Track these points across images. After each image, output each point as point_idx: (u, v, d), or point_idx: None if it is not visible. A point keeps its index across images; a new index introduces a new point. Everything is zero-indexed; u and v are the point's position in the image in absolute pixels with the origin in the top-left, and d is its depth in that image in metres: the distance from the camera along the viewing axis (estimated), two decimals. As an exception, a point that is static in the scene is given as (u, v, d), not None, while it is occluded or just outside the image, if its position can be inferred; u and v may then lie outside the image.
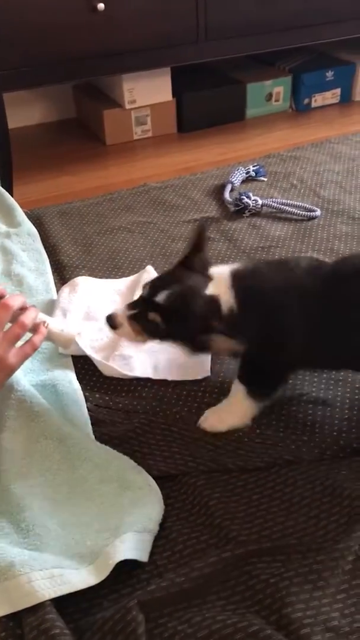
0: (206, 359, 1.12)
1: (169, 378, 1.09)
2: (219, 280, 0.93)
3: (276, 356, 0.95)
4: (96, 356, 1.11)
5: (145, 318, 0.93)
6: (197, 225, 0.97)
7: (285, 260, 1.07)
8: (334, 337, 0.92)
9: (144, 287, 0.96)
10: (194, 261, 0.94)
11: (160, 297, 0.91)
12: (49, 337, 1.05)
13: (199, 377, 1.09)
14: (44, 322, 0.99)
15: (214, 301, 0.91)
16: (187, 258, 0.95)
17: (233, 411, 1.00)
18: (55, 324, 1.05)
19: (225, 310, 0.91)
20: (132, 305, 0.96)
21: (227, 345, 0.94)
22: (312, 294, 0.92)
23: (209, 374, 1.10)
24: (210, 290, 0.91)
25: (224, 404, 1.01)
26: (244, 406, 0.99)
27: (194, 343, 0.94)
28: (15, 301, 0.93)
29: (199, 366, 1.11)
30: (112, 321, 0.96)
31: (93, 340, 1.16)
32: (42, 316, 1.02)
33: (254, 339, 0.93)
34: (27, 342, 0.94)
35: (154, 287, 0.94)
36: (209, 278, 0.93)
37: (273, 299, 0.92)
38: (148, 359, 1.13)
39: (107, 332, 1.17)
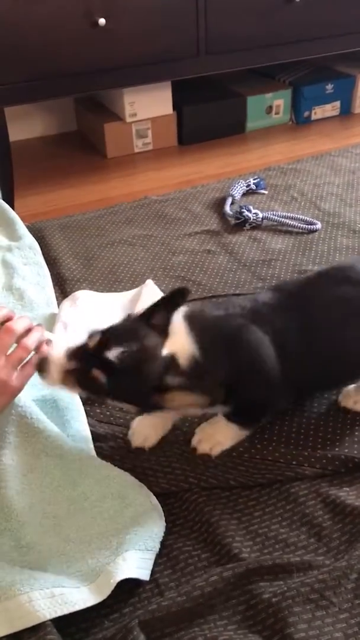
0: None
1: None
2: (176, 330, 0.85)
3: (258, 384, 0.91)
4: None
5: (86, 374, 0.83)
6: (179, 288, 0.85)
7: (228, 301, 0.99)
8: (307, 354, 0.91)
9: (91, 336, 0.85)
10: (155, 316, 0.85)
11: (112, 354, 0.80)
12: None
13: None
14: (47, 341, 0.97)
15: (171, 359, 0.82)
16: (151, 311, 0.86)
17: (223, 434, 0.97)
18: (60, 341, 1.05)
19: (186, 362, 0.83)
20: (72, 354, 0.85)
21: (189, 400, 0.86)
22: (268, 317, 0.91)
23: None
24: (168, 345, 0.83)
25: (213, 428, 0.97)
26: (232, 430, 0.97)
27: (147, 403, 0.87)
28: (19, 325, 0.92)
29: None
30: (41, 365, 0.86)
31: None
32: (48, 335, 1.02)
33: (230, 377, 0.87)
34: (27, 362, 0.93)
35: (104, 340, 0.82)
36: (166, 334, 0.84)
37: (235, 330, 0.89)
38: None
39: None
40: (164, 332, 0.84)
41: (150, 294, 1.28)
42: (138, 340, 0.82)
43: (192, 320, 0.86)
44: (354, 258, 1.18)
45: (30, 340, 0.93)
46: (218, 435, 0.97)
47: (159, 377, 0.82)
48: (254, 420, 0.98)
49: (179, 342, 0.84)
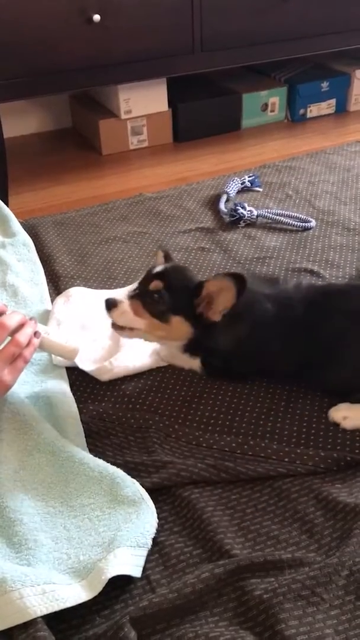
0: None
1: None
2: None
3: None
4: (89, 367, 1.12)
5: (147, 292, 1.01)
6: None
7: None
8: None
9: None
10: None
11: (160, 268, 1.02)
12: (51, 349, 1.05)
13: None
14: (36, 333, 0.98)
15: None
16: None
17: None
18: (57, 335, 1.05)
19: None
20: (132, 290, 1.03)
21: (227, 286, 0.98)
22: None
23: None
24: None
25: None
26: None
27: (191, 314, 1.01)
28: (12, 320, 0.93)
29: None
30: (111, 302, 1.01)
31: (88, 351, 1.16)
32: (42, 327, 1.02)
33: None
34: (18, 356, 0.94)
35: (150, 271, 1.03)
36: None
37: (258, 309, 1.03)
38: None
39: (102, 343, 1.17)
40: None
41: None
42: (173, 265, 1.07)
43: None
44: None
45: (23, 336, 0.94)
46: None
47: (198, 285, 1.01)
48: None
49: None
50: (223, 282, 0.97)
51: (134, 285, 1.05)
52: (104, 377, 1.11)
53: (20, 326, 0.95)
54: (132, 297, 1.02)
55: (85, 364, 1.12)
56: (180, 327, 1.04)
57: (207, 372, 1.11)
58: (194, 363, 1.11)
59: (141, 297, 1.02)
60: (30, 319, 0.99)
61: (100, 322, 1.16)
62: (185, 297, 1.02)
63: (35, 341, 0.97)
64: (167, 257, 1.11)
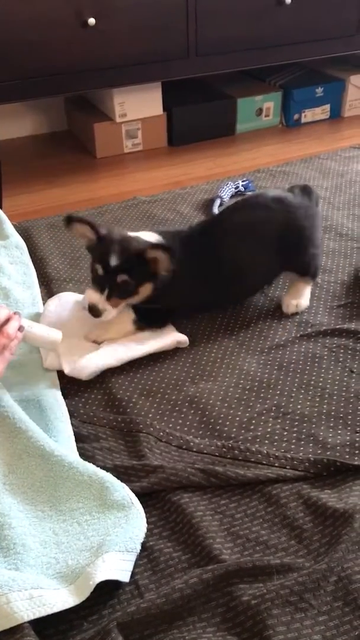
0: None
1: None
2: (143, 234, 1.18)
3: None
4: (67, 369, 1.12)
5: (118, 286, 1.13)
6: (66, 219, 1.17)
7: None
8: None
9: (94, 272, 1.15)
10: (98, 231, 1.16)
11: (114, 261, 1.12)
12: (35, 341, 1.08)
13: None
14: (20, 327, 1.02)
15: (143, 239, 1.15)
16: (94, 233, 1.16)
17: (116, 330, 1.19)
18: (39, 328, 1.08)
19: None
20: (100, 289, 1.14)
21: (162, 258, 1.13)
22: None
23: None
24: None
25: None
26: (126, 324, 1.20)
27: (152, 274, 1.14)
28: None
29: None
30: (97, 311, 1.14)
31: (75, 354, 1.15)
32: (25, 322, 1.05)
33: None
34: (5, 348, 0.98)
35: (103, 263, 1.13)
36: (121, 232, 1.17)
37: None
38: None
39: (88, 345, 1.17)
40: (119, 232, 1.18)
41: None
42: (114, 243, 1.14)
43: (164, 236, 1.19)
44: (263, 191, 1.37)
45: (11, 328, 0.99)
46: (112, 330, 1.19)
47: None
48: (148, 323, 1.21)
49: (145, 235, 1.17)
50: (158, 254, 1.12)
51: (97, 281, 1.15)
52: (84, 374, 1.11)
53: (7, 320, 1.00)
54: (108, 295, 1.14)
55: (66, 367, 1.12)
56: (147, 289, 1.17)
57: (143, 320, 1.21)
58: (128, 317, 1.20)
59: (113, 292, 1.14)
60: (15, 313, 1.03)
61: (87, 326, 1.21)
62: (141, 268, 1.14)
63: (19, 335, 1.02)
64: (86, 222, 1.17)
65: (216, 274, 1.21)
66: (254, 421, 1.04)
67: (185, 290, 1.21)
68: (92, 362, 1.13)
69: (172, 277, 1.14)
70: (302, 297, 1.30)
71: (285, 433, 1.01)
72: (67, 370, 1.12)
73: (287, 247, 1.23)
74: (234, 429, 1.02)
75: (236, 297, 1.31)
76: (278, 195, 1.25)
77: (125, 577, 0.79)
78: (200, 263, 1.21)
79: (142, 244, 1.15)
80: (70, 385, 1.12)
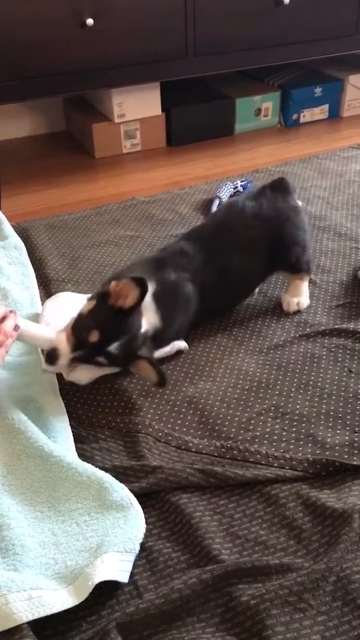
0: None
1: None
2: (148, 309, 1.09)
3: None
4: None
5: (91, 359, 1.05)
6: (139, 281, 1.02)
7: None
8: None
9: (87, 330, 1.03)
10: (134, 310, 1.04)
11: (113, 348, 1.03)
12: (30, 340, 1.08)
13: None
14: (16, 326, 1.02)
15: (146, 337, 1.08)
16: (130, 308, 1.03)
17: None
18: (34, 327, 1.08)
19: (152, 331, 1.09)
20: (75, 344, 1.03)
21: (151, 376, 1.06)
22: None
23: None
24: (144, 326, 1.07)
25: None
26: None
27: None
28: None
29: None
30: (53, 360, 1.03)
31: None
32: (21, 321, 1.05)
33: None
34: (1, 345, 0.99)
35: (102, 336, 1.02)
36: (140, 313, 1.07)
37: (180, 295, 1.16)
38: None
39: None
40: (139, 318, 1.07)
41: None
42: (129, 332, 1.04)
43: (156, 297, 1.10)
44: (239, 201, 1.30)
45: (8, 326, 1.00)
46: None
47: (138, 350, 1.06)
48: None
49: (149, 319, 1.09)
50: (150, 373, 1.05)
51: (80, 335, 1.04)
52: (83, 381, 1.11)
53: (3, 318, 1.01)
54: (75, 358, 1.04)
55: (65, 372, 1.12)
56: (143, 366, 1.08)
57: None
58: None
59: (84, 359, 1.05)
60: (11, 311, 1.03)
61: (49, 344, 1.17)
62: (123, 363, 1.09)
63: (14, 333, 1.02)
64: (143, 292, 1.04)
65: (217, 292, 1.21)
66: (252, 421, 1.04)
67: (188, 316, 1.18)
68: (87, 375, 1.12)
69: (175, 315, 1.14)
70: (302, 295, 1.30)
71: (284, 433, 1.01)
72: (66, 376, 1.11)
73: (272, 253, 1.25)
74: (233, 429, 1.02)
75: (230, 306, 1.31)
76: (253, 211, 1.25)
77: (124, 577, 0.79)
78: (201, 287, 1.18)
79: (139, 347, 1.06)
80: (68, 386, 1.12)
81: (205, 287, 1.18)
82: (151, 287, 1.08)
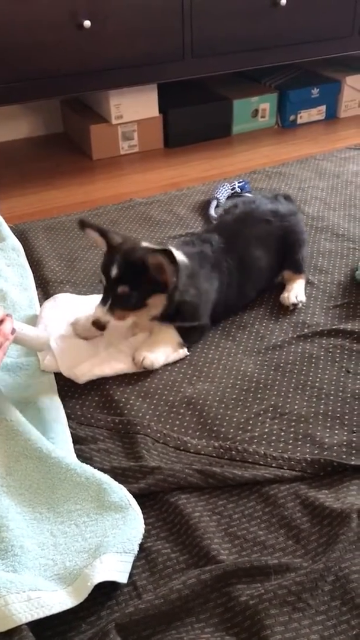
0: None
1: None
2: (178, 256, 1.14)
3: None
4: (67, 371, 1.13)
5: (119, 298, 1.11)
6: (80, 223, 1.19)
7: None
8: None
9: (102, 282, 1.14)
10: (109, 239, 1.15)
11: (114, 273, 1.10)
12: (25, 343, 1.09)
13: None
14: (12, 330, 1.02)
15: (148, 247, 1.13)
16: (107, 242, 1.16)
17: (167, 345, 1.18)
18: (30, 330, 1.09)
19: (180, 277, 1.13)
20: (104, 301, 1.13)
21: (164, 262, 1.10)
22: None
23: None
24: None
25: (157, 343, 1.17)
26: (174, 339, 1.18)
27: (157, 284, 1.12)
28: None
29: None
30: (100, 324, 1.12)
31: (70, 356, 1.16)
32: (16, 324, 1.05)
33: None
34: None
35: (106, 274, 1.12)
36: (134, 240, 1.16)
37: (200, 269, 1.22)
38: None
39: (84, 347, 1.17)
40: (132, 240, 1.17)
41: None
42: (119, 253, 1.12)
43: (185, 252, 1.20)
44: (256, 200, 1.40)
45: (6, 329, 1.00)
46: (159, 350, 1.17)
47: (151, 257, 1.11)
48: (192, 341, 1.21)
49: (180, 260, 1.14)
50: (158, 259, 1.10)
51: (103, 293, 1.14)
52: (81, 380, 1.12)
53: (1, 321, 1.01)
54: (110, 308, 1.12)
55: (64, 369, 1.13)
56: (156, 300, 1.15)
57: (186, 340, 1.20)
58: (173, 339, 1.19)
59: (116, 303, 1.12)
60: (7, 315, 1.03)
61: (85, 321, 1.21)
62: (145, 278, 1.12)
63: (10, 336, 1.02)
64: (97, 229, 1.18)
65: (236, 281, 1.26)
66: (251, 422, 1.04)
67: (213, 302, 1.23)
68: (89, 372, 1.13)
69: (199, 293, 1.18)
70: (300, 291, 1.34)
71: (282, 433, 1.02)
72: (65, 372, 1.12)
73: (286, 250, 1.35)
74: (231, 430, 1.03)
75: (250, 298, 1.34)
76: (274, 208, 1.36)
77: (123, 578, 0.79)
78: (223, 274, 1.24)
79: (141, 252, 1.12)
80: (67, 387, 1.12)
81: (235, 279, 1.25)
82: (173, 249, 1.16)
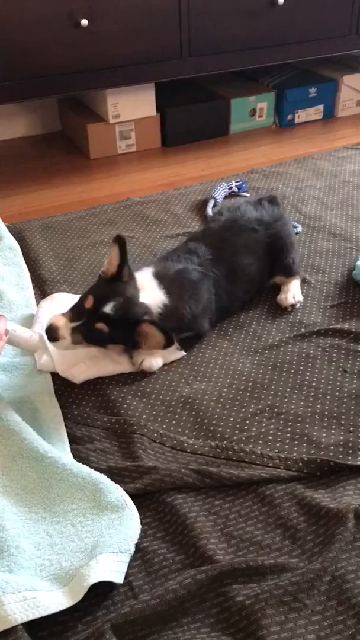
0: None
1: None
2: (149, 285, 1.13)
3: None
4: (64, 371, 1.13)
5: (91, 328, 1.06)
6: (116, 238, 1.11)
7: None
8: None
9: (83, 299, 1.09)
10: (122, 273, 1.10)
11: (108, 308, 1.06)
12: (18, 344, 1.08)
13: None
14: (6, 331, 1.02)
15: (147, 307, 1.11)
16: (118, 271, 1.10)
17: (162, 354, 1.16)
18: (23, 331, 1.09)
19: (159, 308, 1.12)
20: (73, 317, 1.07)
21: (157, 338, 1.08)
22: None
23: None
24: (143, 296, 1.11)
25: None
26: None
27: (133, 342, 1.10)
28: None
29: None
30: (53, 333, 1.06)
31: (66, 355, 1.15)
32: (9, 324, 1.05)
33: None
34: None
35: (97, 300, 1.07)
36: (137, 286, 1.12)
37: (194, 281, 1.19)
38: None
39: (82, 353, 1.17)
40: (134, 284, 1.12)
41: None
42: (122, 294, 1.08)
43: (158, 276, 1.16)
44: (240, 207, 1.39)
45: (1, 328, 1.00)
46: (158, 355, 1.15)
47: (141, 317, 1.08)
48: (188, 348, 1.21)
49: (152, 293, 1.12)
50: (155, 334, 1.08)
51: (77, 309, 1.09)
52: (78, 379, 1.12)
53: None
54: (76, 328, 1.07)
55: (61, 368, 1.13)
56: (116, 349, 1.14)
57: (184, 346, 1.20)
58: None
59: (84, 330, 1.07)
60: (0, 315, 1.03)
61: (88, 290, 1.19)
62: (126, 334, 1.09)
63: (4, 337, 1.02)
64: (122, 256, 1.11)
65: (224, 288, 1.25)
66: (247, 421, 1.04)
67: (211, 310, 1.23)
68: (85, 372, 1.13)
69: (196, 305, 1.18)
70: (296, 291, 1.34)
71: (279, 433, 1.02)
72: (62, 372, 1.12)
73: (275, 256, 1.34)
74: (228, 430, 1.03)
75: (242, 302, 1.33)
76: (258, 216, 1.36)
77: (119, 578, 0.79)
78: (207, 283, 1.22)
79: (140, 313, 1.09)
80: (64, 387, 1.12)
81: (217, 279, 1.23)
82: (150, 269, 1.18)
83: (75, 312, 1.08)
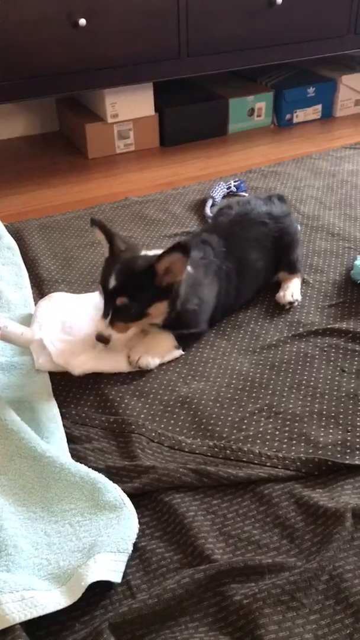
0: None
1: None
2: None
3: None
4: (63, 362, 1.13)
5: (118, 309, 1.09)
6: (92, 221, 1.16)
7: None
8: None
9: (100, 293, 1.14)
10: (115, 247, 1.13)
11: (113, 282, 1.09)
12: (10, 340, 1.10)
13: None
14: (3, 327, 1.04)
15: (149, 256, 1.12)
16: (110, 248, 1.13)
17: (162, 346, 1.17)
18: (15, 327, 1.10)
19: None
20: (104, 313, 1.12)
21: (175, 257, 1.08)
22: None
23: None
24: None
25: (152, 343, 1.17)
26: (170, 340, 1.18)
27: (162, 289, 1.11)
28: None
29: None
30: (103, 339, 1.12)
31: (65, 350, 1.16)
32: (2, 320, 1.07)
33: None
34: None
35: (105, 283, 1.10)
36: (137, 248, 1.14)
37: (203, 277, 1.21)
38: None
39: (80, 344, 1.17)
40: (134, 249, 1.15)
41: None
42: (118, 263, 1.10)
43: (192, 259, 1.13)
44: (250, 201, 1.40)
45: None
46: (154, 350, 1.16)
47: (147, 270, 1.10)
48: (188, 346, 1.21)
49: None
50: (173, 256, 1.08)
51: (104, 305, 1.12)
52: (77, 371, 1.12)
53: None
54: (111, 321, 1.11)
55: (59, 359, 1.13)
56: (158, 308, 1.13)
57: (183, 344, 1.20)
58: (169, 341, 1.18)
59: (117, 316, 1.11)
60: None
61: (79, 325, 1.22)
62: (147, 286, 1.10)
63: None
64: (105, 232, 1.14)
65: (234, 285, 1.27)
66: (245, 421, 1.04)
67: (212, 308, 1.23)
68: (84, 365, 1.13)
69: (200, 302, 1.18)
70: (296, 290, 1.34)
71: (277, 432, 1.02)
72: (61, 363, 1.13)
73: (281, 251, 1.35)
74: (226, 429, 1.03)
75: (246, 299, 1.34)
76: (268, 210, 1.36)
77: (117, 577, 0.79)
78: (222, 280, 1.24)
79: (143, 261, 1.10)
80: (62, 387, 1.12)
81: (224, 279, 1.24)
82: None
83: (104, 307, 1.12)
